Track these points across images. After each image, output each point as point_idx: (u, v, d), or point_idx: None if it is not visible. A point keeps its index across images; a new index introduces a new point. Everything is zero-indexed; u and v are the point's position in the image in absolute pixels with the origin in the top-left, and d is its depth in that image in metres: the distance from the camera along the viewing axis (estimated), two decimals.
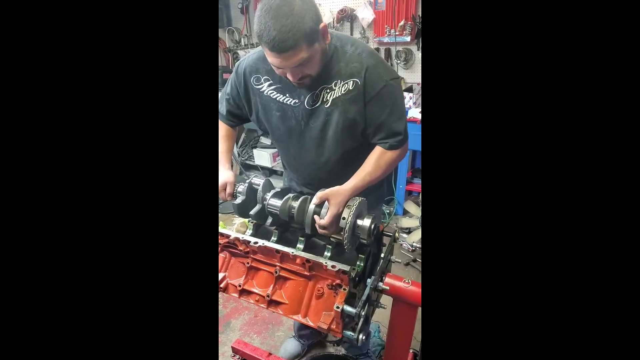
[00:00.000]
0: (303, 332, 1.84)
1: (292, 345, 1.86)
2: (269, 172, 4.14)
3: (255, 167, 4.17)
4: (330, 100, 1.10)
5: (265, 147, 4.09)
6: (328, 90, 1.09)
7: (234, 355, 1.78)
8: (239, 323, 2.12)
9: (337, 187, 1.08)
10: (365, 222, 1.05)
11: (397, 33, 3.06)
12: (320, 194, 1.07)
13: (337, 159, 1.21)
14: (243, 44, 4.15)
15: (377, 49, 3.33)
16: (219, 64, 4.46)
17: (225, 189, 1.21)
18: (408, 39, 3.05)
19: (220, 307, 2.22)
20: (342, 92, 1.08)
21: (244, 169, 4.20)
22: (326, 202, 1.06)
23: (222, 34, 4.27)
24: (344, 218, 1.04)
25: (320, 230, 1.07)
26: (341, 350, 1.89)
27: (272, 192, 1.16)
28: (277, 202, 1.12)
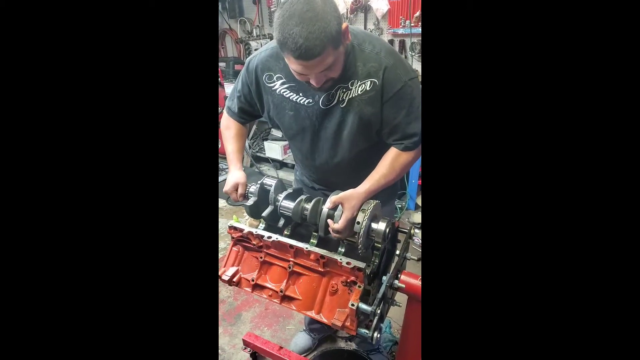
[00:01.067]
0: (314, 326, 1.84)
1: (302, 339, 1.86)
2: (280, 164, 4.13)
3: (266, 160, 4.17)
4: (346, 100, 1.07)
5: (276, 139, 4.07)
6: (344, 90, 1.06)
7: (245, 348, 1.79)
8: (250, 315, 2.13)
9: (350, 191, 1.06)
10: (380, 226, 1.03)
11: (412, 24, 2.99)
12: (333, 198, 1.06)
13: (350, 159, 1.19)
14: (255, 34, 4.12)
15: (391, 41, 3.27)
16: (231, 54, 4.44)
17: (236, 190, 1.20)
18: None
19: (231, 300, 2.23)
20: (359, 92, 1.05)
21: (255, 161, 4.20)
22: (340, 206, 1.05)
23: (234, 25, 4.24)
24: (358, 222, 1.02)
25: (333, 235, 1.06)
26: (352, 345, 1.89)
27: (285, 193, 1.15)
28: (290, 204, 1.11)
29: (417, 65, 3.21)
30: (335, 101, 1.08)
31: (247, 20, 4.11)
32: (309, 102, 1.11)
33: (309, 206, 1.09)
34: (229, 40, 4.42)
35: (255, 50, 4.27)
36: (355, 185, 1.19)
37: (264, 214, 1.14)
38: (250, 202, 1.16)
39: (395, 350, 1.86)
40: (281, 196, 1.14)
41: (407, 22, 3.04)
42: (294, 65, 0.94)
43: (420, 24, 2.98)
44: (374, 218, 1.05)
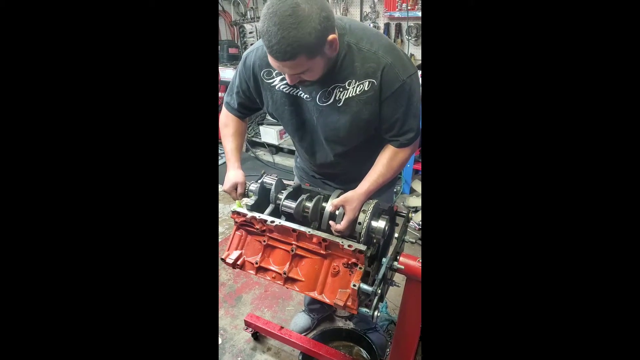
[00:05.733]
0: (313, 306, 1.90)
1: (302, 319, 1.92)
2: (276, 149, 4.13)
3: (262, 144, 4.17)
4: (343, 100, 1.07)
5: (271, 124, 4.06)
6: (341, 89, 1.06)
7: (247, 328, 1.85)
8: (250, 297, 2.18)
9: (351, 193, 1.10)
10: (380, 224, 1.09)
11: (409, 7, 2.97)
12: (335, 201, 1.11)
13: (348, 154, 1.21)
14: (249, 17, 4.05)
15: (388, 24, 3.25)
16: (224, 37, 4.38)
17: (235, 189, 1.23)
18: (420, 14, 2.97)
19: (231, 282, 2.28)
20: (357, 92, 1.05)
21: (250, 146, 4.20)
22: (341, 207, 1.10)
23: (228, 7, 4.16)
24: (359, 223, 1.08)
25: (335, 234, 1.11)
26: (350, 325, 1.95)
27: (285, 192, 1.19)
28: (292, 204, 1.16)
29: (413, 49, 3.21)
30: (332, 99, 1.08)
31: (240, 1, 4.03)
32: (307, 97, 1.11)
33: (310, 204, 1.14)
34: (222, 23, 4.34)
35: (250, 33, 4.18)
36: (353, 175, 1.23)
37: (266, 212, 1.17)
38: (251, 201, 1.19)
39: (391, 328, 1.93)
40: (282, 195, 1.18)
41: (404, 5, 3.01)
42: (269, 59, 0.94)
43: (416, 7, 2.96)
44: (373, 216, 1.11)
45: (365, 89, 1.04)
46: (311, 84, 1.04)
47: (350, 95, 1.06)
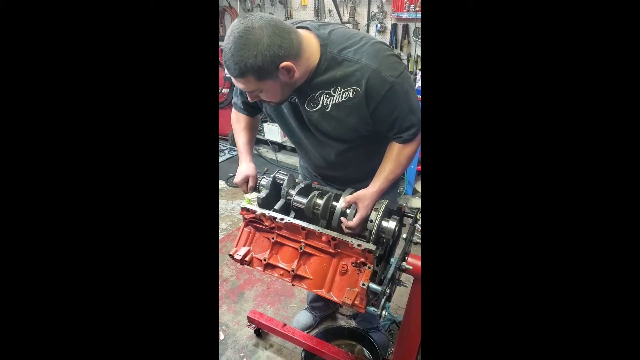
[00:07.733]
0: (315, 304, 1.91)
1: (304, 317, 1.93)
2: (279, 147, 4.14)
3: (265, 142, 4.17)
4: (330, 105, 1.09)
5: (274, 121, 4.06)
6: (327, 96, 1.08)
7: (249, 324, 1.86)
8: (252, 294, 2.19)
9: (364, 191, 1.12)
10: (391, 224, 1.10)
11: (417, 9, 2.97)
12: (348, 197, 1.13)
13: (344, 157, 1.23)
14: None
15: (395, 25, 3.25)
16: None
17: (247, 182, 1.25)
18: None
19: (234, 279, 2.29)
20: (343, 98, 1.06)
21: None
22: (354, 204, 1.11)
23: (234, 3, 4.16)
24: (371, 221, 1.09)
25: (346, 231, 1.12)
26: (352, 323, 1.96)
27: (297, 188, 1.20)
28: (303, 200, 1.17)
29: (419, 51, 3.21)
30: (320, 105, 1.09)
31: None
32: (298, 102, 1.12)
33: (321, 202, 1.15)
34: (228, 19, 4.34)
35: None
36: (352, 177, 1.25)
37: (276, 207, 1.18)
38: (262, 194, 1.20)
39: (393, 328, 1.94)
40: (293, 191, 1.19)
41: (412, 6, 3.01)
42: None
43: None
44: (384, 216, 1.12)
45: (350, 95, 1.06)
46: (275, 104, 1.09)
47: (336, 101, 1.08)
